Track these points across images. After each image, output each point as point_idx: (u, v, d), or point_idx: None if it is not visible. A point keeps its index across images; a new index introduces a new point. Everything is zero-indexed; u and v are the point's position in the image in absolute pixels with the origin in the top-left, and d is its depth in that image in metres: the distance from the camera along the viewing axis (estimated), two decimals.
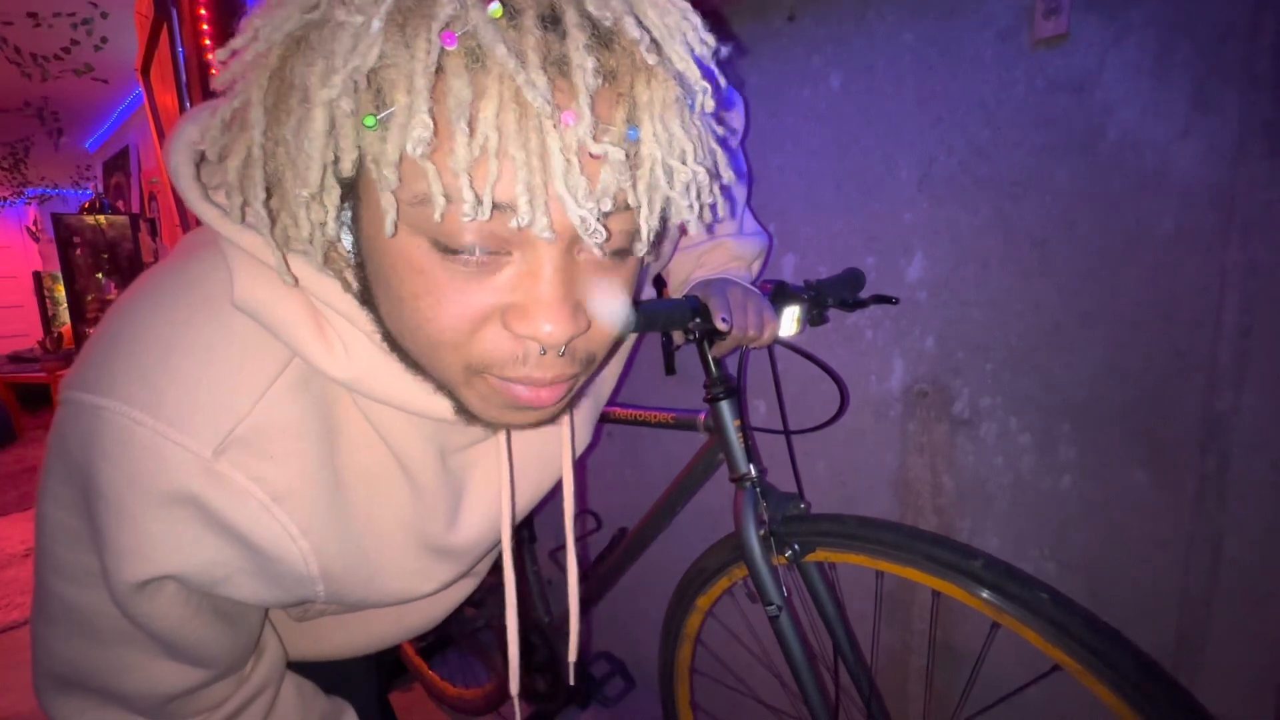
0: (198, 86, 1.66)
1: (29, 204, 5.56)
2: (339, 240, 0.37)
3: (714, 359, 0.74)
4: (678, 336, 0.74)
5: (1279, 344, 0.64)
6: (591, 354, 0.39)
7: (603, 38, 0.30)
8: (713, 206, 0.36)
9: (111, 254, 3.67)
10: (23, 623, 1.98)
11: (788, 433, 0.79)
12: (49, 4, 2.77)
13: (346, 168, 0.31)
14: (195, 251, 0.41)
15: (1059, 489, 0.79)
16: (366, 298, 0.38)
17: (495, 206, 0.30)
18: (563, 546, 1.19)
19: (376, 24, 0.27)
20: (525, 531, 1.15)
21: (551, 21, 0.29)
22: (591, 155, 0.30)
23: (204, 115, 0.38)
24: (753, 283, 0.75)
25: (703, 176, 0.34)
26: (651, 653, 1.04)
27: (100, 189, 4.98)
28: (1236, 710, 0.70)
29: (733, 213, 0.77)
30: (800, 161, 0.94)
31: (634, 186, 0.32)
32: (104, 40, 3.09)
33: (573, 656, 0.62)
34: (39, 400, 4.40)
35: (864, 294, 0.86)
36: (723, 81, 0.35)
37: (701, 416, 0.81)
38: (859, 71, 0.86)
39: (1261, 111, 0.61)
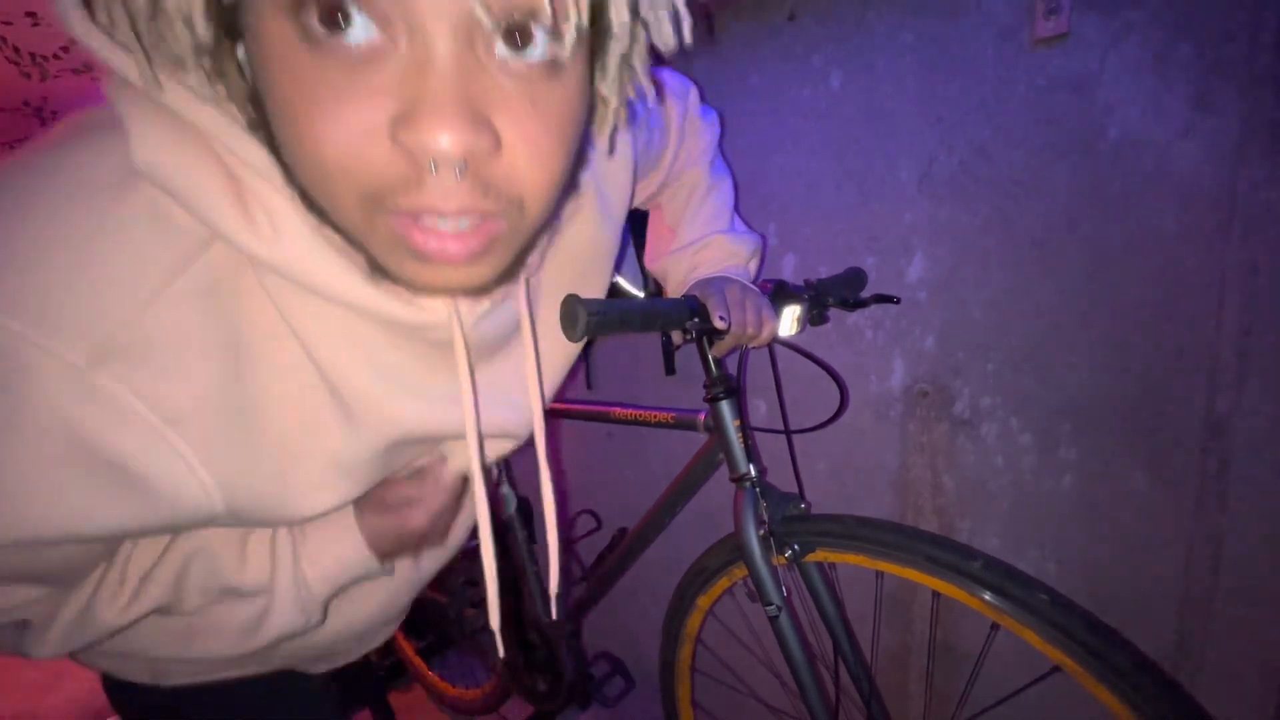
0: None
1: None
2: (208, 57, 0.30)
3: (714, 359, 0.74)
4: (677, 336, 0.74)
5: (1279, 344, 0.64)
6: (516, 196, 0.32)
7: None
8: (675, 24, 0.30)
9: None
10: None
11: (788, 432, 0.79)
12: (49, 4, 2.77)
13: None
14: (73, 132, 0.35)
15: (1059, 489, 0.79)
16: (269, 139, 0.32)
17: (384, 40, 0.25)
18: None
19: None
20: (525, 531, 1.15)
21: None
22: None
23: None
24: (752, 282, 0.75)
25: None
26: (651, 653, 1.04)
27: None
28: (1236, 710, 0.70)
29: (723, 209, 0.75)
30: (800, 161, 0.94)
31: None
32: None
33: (553, 589, 0.54)
34: None
35: (864, 294, 0.86)
36: None
37: (701, 416, 0.81)
38: (859, 71, 0.86)
39: (1262, 111, 0.61)
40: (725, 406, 0.73)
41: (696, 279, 0.71)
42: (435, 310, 0.38)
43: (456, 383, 0.41)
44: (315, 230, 0.34)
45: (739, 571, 0.79)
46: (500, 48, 0.29)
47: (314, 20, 0.26)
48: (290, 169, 0.32)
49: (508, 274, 0.37)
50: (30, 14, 3.00)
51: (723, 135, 0.78)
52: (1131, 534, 0.75)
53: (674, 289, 0.76)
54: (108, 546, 0.42)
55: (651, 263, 0.79)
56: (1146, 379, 0.71)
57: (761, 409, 1.06)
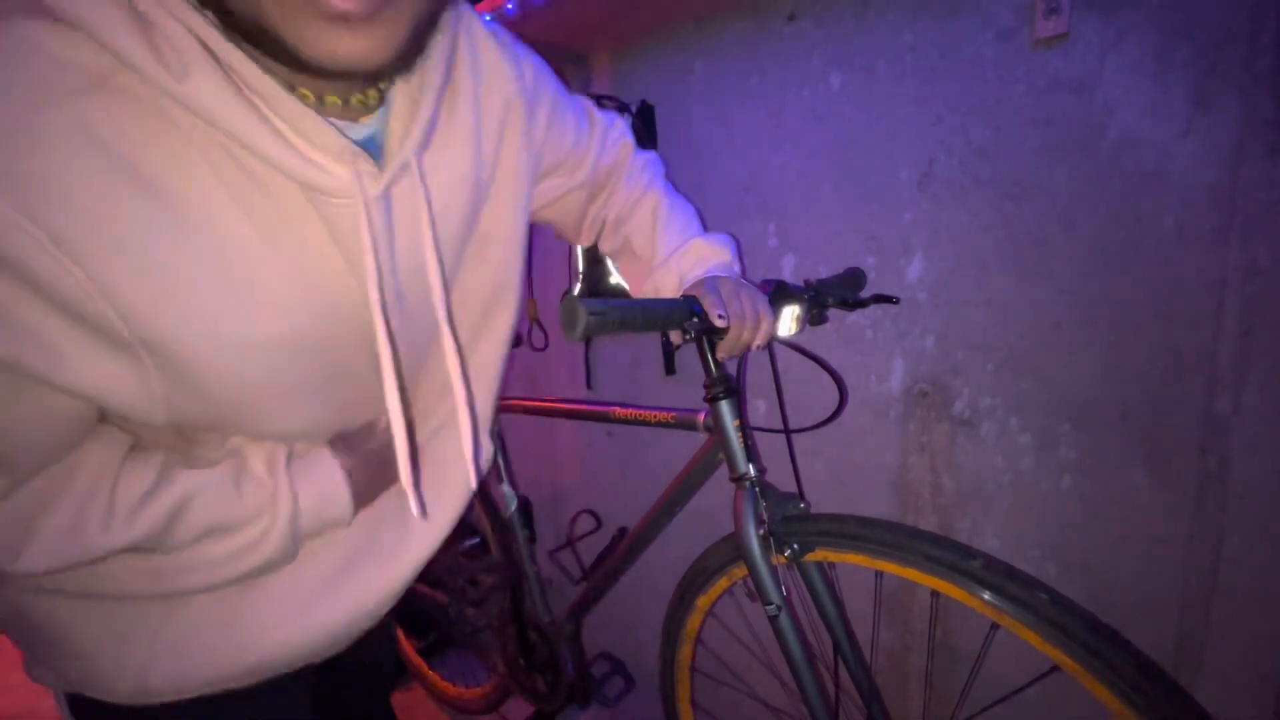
0: None
1: None
2: None
3: (714, 359, 0.74)
4: (676, 336, 0.74)
5: (1279, 344, 0.64)
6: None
7: None
8: None
9: None
10: None
11: (788, 432, 0.79)
12: None
13: None
14: None
15: (1059, 489, 0.79)
16: None
17: None
18: (563, 546, 1.19)
19: None
20: (526, 531, 1.15)
21: None
22: None
23: None
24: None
25: None
26: (651, 653, 1.04)
27: None
28: (1236, 710, 0.70)
29: (691, 220, 0.76)
30: (800, 161, 0.94)
31: None
32: None
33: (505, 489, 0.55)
34: None
35: (864, 294, 0.86)
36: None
37: (701, 416, 0.81)
38: (859, 72, 0.86)
39: (1262, 111, 0.61)
40: (725, 406, 0.73)
41: (688, 283, 0.71)
42: (338, 176, 0.39)
43: (327, 259, 0.42)
44: (222, 70, 0.34)
45: (739, 571, 0.79)
46: None
47: None
48: None
49: (403, 62, 0.38)
50: None
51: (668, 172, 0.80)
52: (1131, 534, 0.75)
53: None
54: (56, 430, 0.40)
55: (638, 289, 0.78)
56: (1146, 379, 0.71)
57: (761, 409, 1.06)
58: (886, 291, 0.87)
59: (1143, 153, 0.68)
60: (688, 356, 1.12)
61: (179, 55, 0.33)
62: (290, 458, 0.50)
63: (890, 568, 0.67)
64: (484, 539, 1.26)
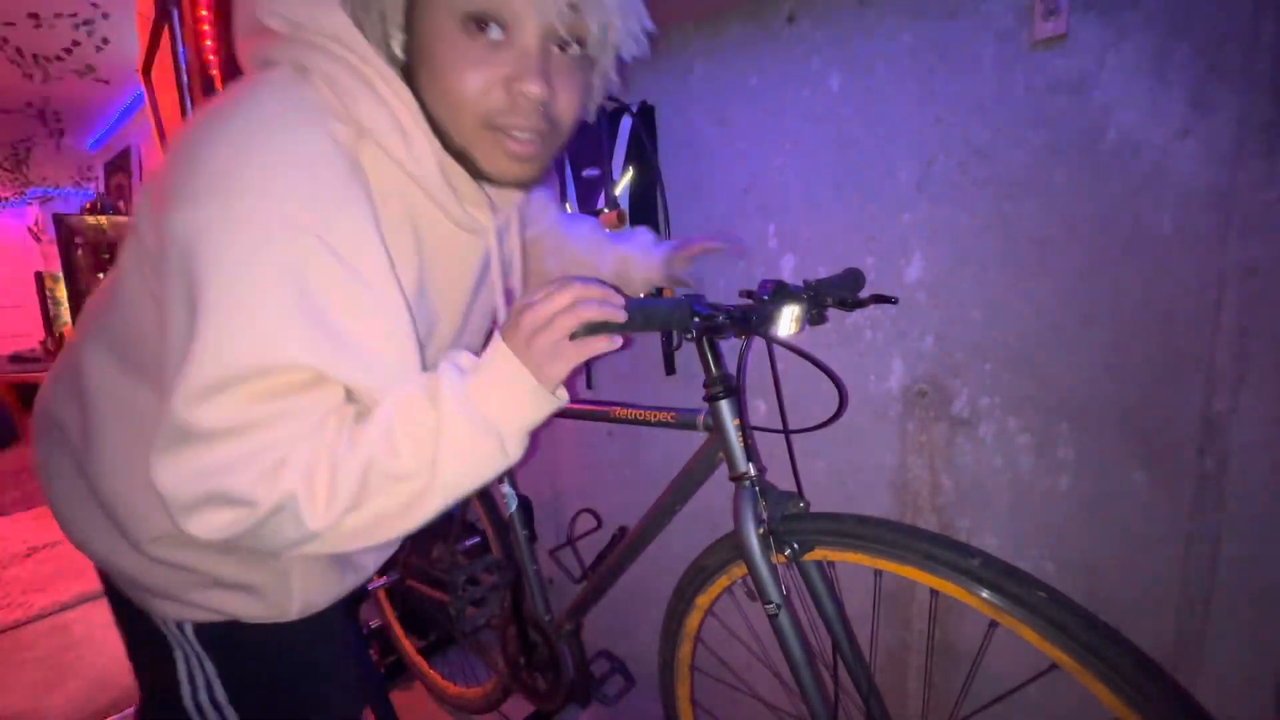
0: (199, 87, 1.66)
1: (30, 204, 5.57)
2: (397, 36, 0.53)
3: (714, 358, 0.74)
4: (676, 336, 0.74)
5: (1278, 344, 0.64)
6: (559, 121, 0.56)
7: None
8: (636, 37, 0.57)
9: (113, 254, 3.67)
10: (24, 622, 1.99)
11: (787, 432, 0.79)
12: (50, 5, 2.78)
13: None
14: (259, 90, 0.51)
15: (1057, 489, 0.79)
16: (412, 82, 0.54)
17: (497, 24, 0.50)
18: (563, 546, 1.19)
19: None
20: (525, 530, 1.15)
21: None
22: None
23: None
24: (749, 288, 0.77)
25: (628, 6, 0.54)
26: (651, 652, 1.04)
27: (102, 189, 4.98)
28: (1235, 709, 0.71)
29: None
30: (799, 163, 0.94)
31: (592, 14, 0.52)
32: (105, 41, 3.10)
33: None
34: None
35: (863, 294, 0.86)
36: None
37: (701, 416, 0.82)
38: (858, 72, 0.86)
39: (1260, 112, 0.62)
40: (725, 406, 0.73)
41: (638, 258, 0.88)
42: (479, 218, 0.63)
43: (460, 266, 0.67)
44: (434, 152, 0.56)
45: (738, 570, 0.80)
46: (558, 49, 0.54)
47: (472, 25, 0.51)
48: (426, 104, 0.54)
49: (535, 182, 0.60)
50: (33, 15, 2.99)
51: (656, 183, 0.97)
52: (1129, 533, 0.75)
53: (638, 284, 0.89)
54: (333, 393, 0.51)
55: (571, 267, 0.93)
56: (1144, 379, 0.72)
57: (761, 409, 1.06)
58: (885, 292, 0.87)
59: (1141, 153, 0.68)
60: (687, 356, 1.12)
61: (417, 147, 0.55)
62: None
63: (889, 566, 0.67)
64: (484, 538, 1.26)
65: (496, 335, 0.55)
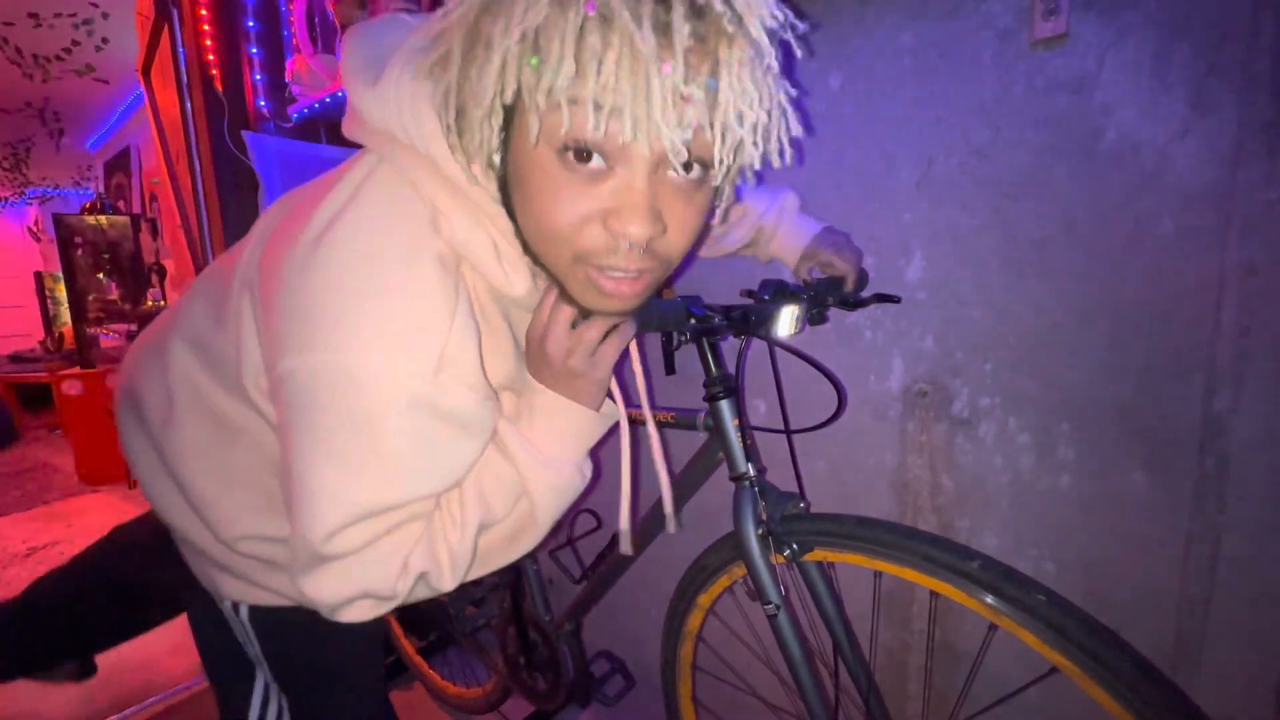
0: (198, 87, 1.66)
1: (30, 204, 5.57)
2: (494, 156, 0.48)
3: (714, 358, 0.74)
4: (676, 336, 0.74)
5: (1278, 344, 0.64)
6: (667, 257, 0.50)
7: (699, 10, 0.40)
8: (780, 151, 0.47)
9: (113, 254, 3.67)
10: None
11: (788, 432, 0.79)
12: (50, 5, 2.78)
13: (508, 96, 0.43)
14: (366, 208, 0.50)
15: (1058, 489, 0.79)
16: (508, 205, 0.50)
17: (608, 122, 0.41)
18: (563, 546, 1.19)
19: (543, 2, 0.39)
20: None
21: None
22: (682, 97, 0.41)
23: (407, 70, 0.49)
24: (754, 288, 0.76)
25: (766, 120, 0.44)
26: (652, 652, 1.04)
27: (101, 189, 4.99)
28: (1235, 710, 0.70)
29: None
30: (799, 161, 0.94)
31: (712, 124, 0.42)
32: (105, 41, 3.10)
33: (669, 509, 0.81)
34: (40, 400, 4.40)
35: (864, 293, 0.86)
36: (799, 51, 0.45)
37: (701, 415, 0.82)
38: (859, 72, 0.86)
39: (1260, 112, 0.62)
40: (725, 406, 0.73)
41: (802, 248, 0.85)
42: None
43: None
44: (529, 272, 0.54)
45: (739, 570, 0.79)
46: (673, 173, 0.46)
47: (570, 156, 0.44)
48: (521, 230, 0.51)
49: (631, 313, 0.56)
50: (33, 15, 2.99)
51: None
52: (1130, 533, 0.75)
53: (795, 264, 0.87)
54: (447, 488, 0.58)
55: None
56: (1144, 379, 0.71)
57: (761, 409, 1.06)
58: (886, 291, 0.87)
59: (1141, 153, 0.68)
60: (688, 356, 1.12)
61: (515, 276, 0.54)
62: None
63: (889, 568, 0.67)
64: None
65: (530, 379, 0.60)
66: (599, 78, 0.39)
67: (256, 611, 0.71)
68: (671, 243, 0.49)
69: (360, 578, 0.53)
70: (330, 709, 0.77)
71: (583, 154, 0.44)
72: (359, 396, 0.47)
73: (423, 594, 0.57)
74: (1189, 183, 0.66)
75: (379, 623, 0.76)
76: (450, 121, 0.47)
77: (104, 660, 1.77)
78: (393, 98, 0.50)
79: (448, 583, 0.57)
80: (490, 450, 0.59)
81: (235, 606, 0.71)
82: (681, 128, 0.41)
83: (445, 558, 0.56)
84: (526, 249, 0.52)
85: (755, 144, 0.44)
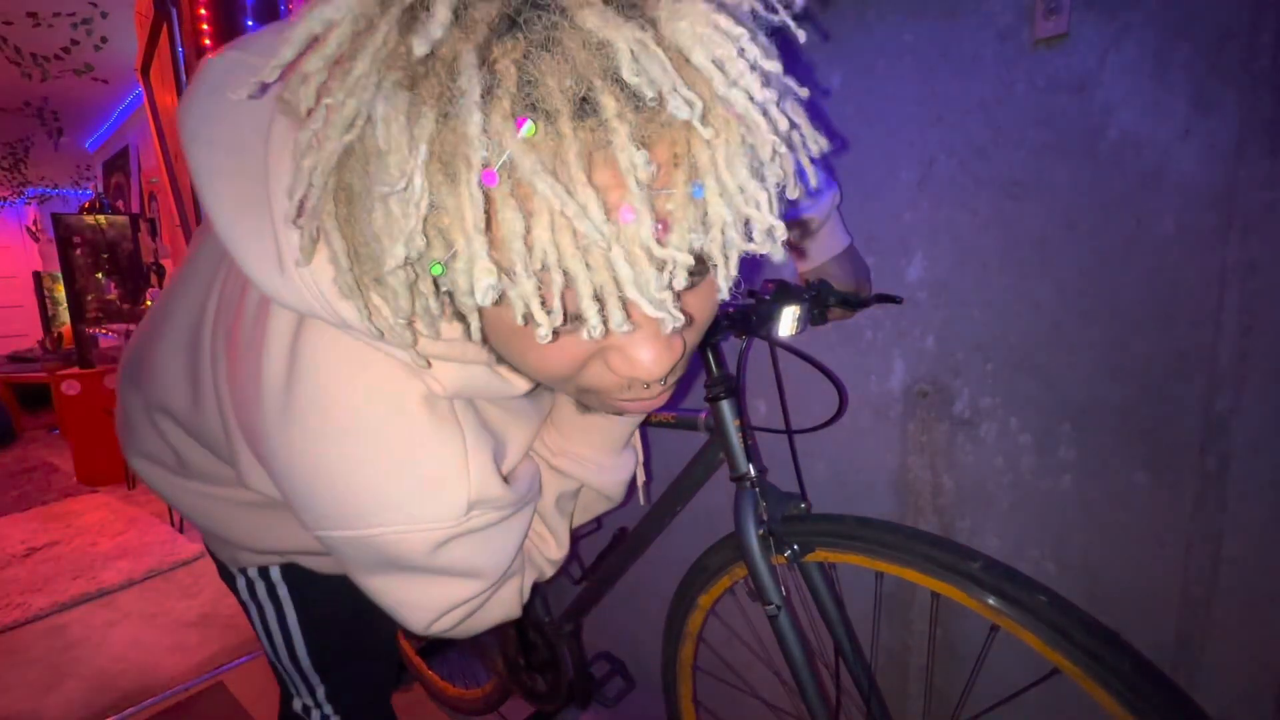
0: None
1: (29, 204, 5.56)
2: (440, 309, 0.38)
3: (715, 358, 0.74)
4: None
5: (1279, 344, 0.64)
6: (689, 351, 0.43)
7: (640, 107, 0.28)
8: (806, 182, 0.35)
9: (111, 254, 3.67)
10: (24, 622, 1.98)
11: (789, 432, 0.79)
12: (49, 4, 2.77)
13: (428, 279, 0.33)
14: (323, 375, 0.43)
15: (1059, 489, 0.79)
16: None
17: (567, 318, 0.31)
18: None
19: (419, 182, 0.27)
20: None
21: (590, 111, 0.28)
22: (657, 242, 0.29)
23: (256, 211, 0.38)
24: (755, 288, 0.76)
25: (778, 221, 0.32)
26: (652, 653, 1.04)
27: (100, 189, 4.98)
28: (1236, 711, 0.70)
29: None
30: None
31: (705, 246, 0.31)
32: (104, 40, 3.09)
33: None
34: (39, 400, 4.40)
35: (865, 289, 0.86)
36: (802, 93, 0.33)
37: (702, 416, 0.81)
38: (859, 71, 0.86)
39: (1261, 111, 0.61)
40: (726, 406, 0.73)
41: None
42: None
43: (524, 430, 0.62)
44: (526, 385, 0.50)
45: (740, 571, 0.79)
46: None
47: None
48: (498, 353, 0.43)
49: None
50: (31, 14, 2.99)
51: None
52: (1131, 533, 0.75)
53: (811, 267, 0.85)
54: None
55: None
56: (1146, 379, 0.71)
57: (762, 409, 1.06)
58: (887, 291, 0.87)
59: (1142, 152, 0.68)
60: None
61: (513, 374, 0.48)
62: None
63: (890, 569, 0.67)
64: None
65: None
66: (530, 265, 0.29)
67: (287, 570, 0.72)
68: (689, 340, 0.41)
69: (482, 623, 0.58)
70: (351, 660, 0.79)
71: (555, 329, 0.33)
72: (397, 554, 0.47)
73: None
74: (1190, 182, 0.66)
75: None
76: (366, 304, 0.35)
77: (104, 660, 1.77)
78: (315, 295, 0.38)
79: (550, 574, 0.65)
80: (553, 478, 0.63)
81: (263, 571, 0.72)
82: (667, 282, 0.30)
83: (546, 565, 0.63)
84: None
85: (774, 245, 0.32)
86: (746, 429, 0.74)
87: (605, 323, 0.30)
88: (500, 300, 0.30)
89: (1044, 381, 0.78)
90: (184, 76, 1.67)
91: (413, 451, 0.44)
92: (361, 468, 0.44)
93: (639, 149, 0.27)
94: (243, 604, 0.75)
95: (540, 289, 0.30)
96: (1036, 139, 0.74)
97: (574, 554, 1.15)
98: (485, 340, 0.39)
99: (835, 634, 0.76)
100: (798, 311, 0.76)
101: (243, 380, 0.46)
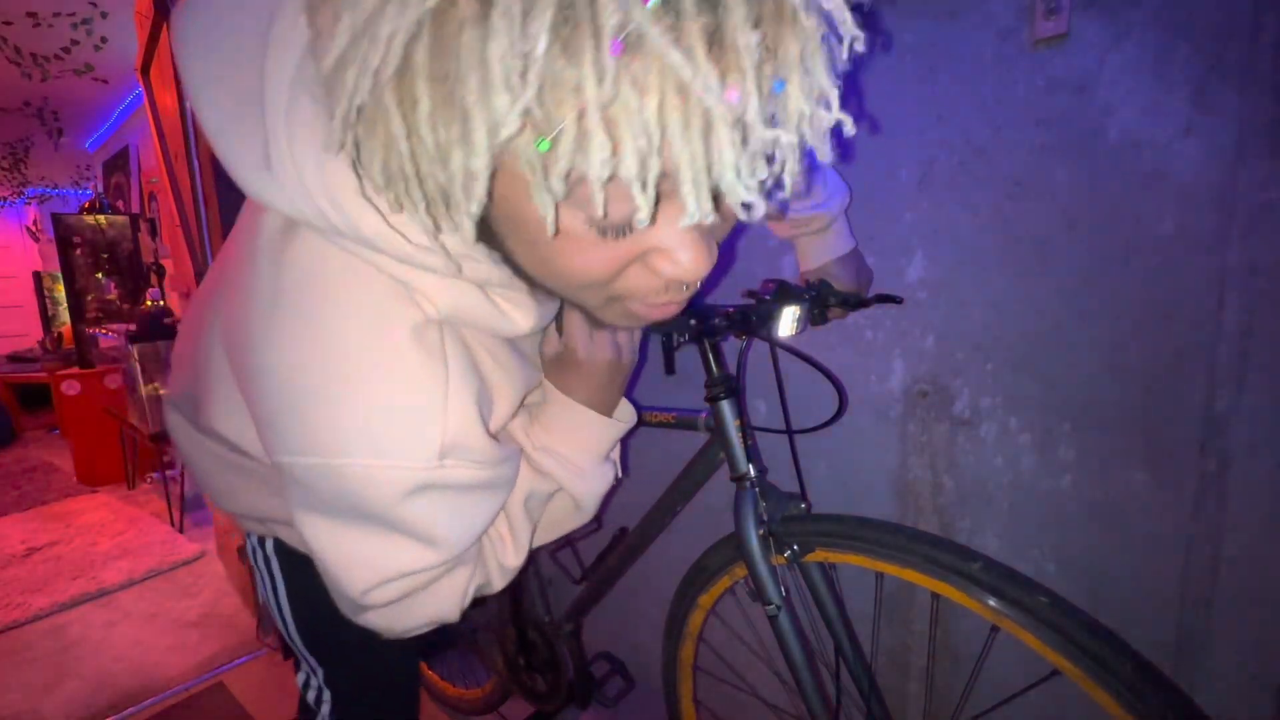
0: None
1: (29, 204, 5.56)
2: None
3: (715, 358, 0.74)
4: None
5: (1279, 344, 0.64)
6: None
7: None
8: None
9: (111, 254, 3.67)
10: (24, 622, 1.98)
11: (790, 432, 0.79)
12: (49, 4, 2.77)
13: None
14: (338, 292, 0.42)
15: (1059, 489, 0.79)
16: (486, 236, 0.40)
17: (657, 189, 0.30)
18: (563, 546, 1.19)
19: (541, 44, 0.26)
20: None
21: None
22: (747, 126, 0.29)
23: (305, 122, 0.36)
24: (763, 283, 0.76)
25: (846, 116, 0.32)
26: (652, 652, 1.04)
27: (100, 189, 4.98)
28: (1236, 711, 0.70)
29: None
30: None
31: (779, 139, 0.30)
32: (104, 40, 3.09)
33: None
34: (39, 400, 4.39)
35: (866, 293, 0.86)
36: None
37: (702, 416, 0.81)
38: (859, 72, 0.86)
39: (1261, 111, 0.61)
40: (726, 406, 0.73)
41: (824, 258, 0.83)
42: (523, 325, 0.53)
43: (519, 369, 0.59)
44: (533, 304, 0.48)
45: (740, 571, 0.79)
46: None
47: (599, 229, 0.35)
48: (524, 269, 0.42)
49: None
50: (31, 14, 2.99)
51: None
52: (1131, 534, 0.75)
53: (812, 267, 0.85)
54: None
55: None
56: (1146, 379, 0.71)
57: (762, 409, 1.06)
58: (887, 291, 0.87)
59: (1143, 153, 0.68)
60: (688, 356, 1.12)
61: (514, 306, 0.47)
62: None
63: (890, 569, 0.67)
64: None
65: (555, 393, 0.60)
66: (641, 140, 0.28)
67: (281, 546, 0.71)
68: (720, 241, 0.42)
69: (417, 615, 0.54)
70: (347, 647, 0.77)
71: (621, 229, 0.34)
72: (361, 494, 0.44)
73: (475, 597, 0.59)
74: (1190, 182, 0.66)
75: None
76: (399, 197, 0.34)
77: (104, 660, 1.77)
78: (299, 190, 0.38)
79: (498, 587, 0.60)
80: (529, 474, 0.59)
81: (261, 541, 0.71)
82: (756, 174, 0.30)
83: (496, 572, 0.59)
84: (534, 282, 0.45)
85: (831, 149, 0.33)
86: (746, 429, 0.74)
87: (699, 210, 0.30)
88: (608, 179, 0.29)
89: (1044, 381, 0.78)
90: None
91: (391, 373, 0.42)
92: (336, 383, 0.42)
93: (753, 29, 0.27)
94: (251, 569, 0.75)
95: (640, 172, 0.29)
96: (1036, 139, 0.74)
97: (574, 554, 1.15)
98: (487, 231, 0.39)
99: (835, 634, 0.76)
100: (798, 311, 0.76)
101: (233, 302, 0.46)
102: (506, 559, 0.59)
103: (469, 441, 0.46)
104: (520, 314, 0.47)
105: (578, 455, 0.61)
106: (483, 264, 0.43)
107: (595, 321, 0.50)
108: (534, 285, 0.45)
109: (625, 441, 0.68)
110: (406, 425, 0.43)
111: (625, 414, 0.65)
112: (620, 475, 0.68)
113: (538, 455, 0.60)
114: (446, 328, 0.46)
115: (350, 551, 0.49)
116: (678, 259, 0.37)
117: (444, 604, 0.54)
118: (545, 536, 0.65)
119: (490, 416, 0.52)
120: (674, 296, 0.42)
